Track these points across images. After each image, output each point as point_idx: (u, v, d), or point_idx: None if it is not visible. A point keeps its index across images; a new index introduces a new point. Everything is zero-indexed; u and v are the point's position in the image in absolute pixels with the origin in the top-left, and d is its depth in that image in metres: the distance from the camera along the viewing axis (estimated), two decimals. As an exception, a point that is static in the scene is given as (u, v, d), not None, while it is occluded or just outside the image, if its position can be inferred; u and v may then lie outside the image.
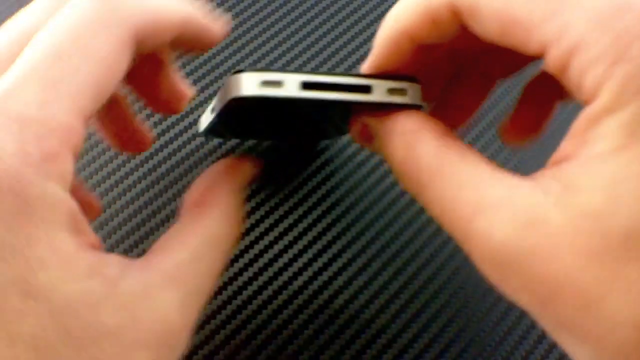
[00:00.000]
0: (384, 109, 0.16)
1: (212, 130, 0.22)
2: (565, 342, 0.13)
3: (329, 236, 0.26)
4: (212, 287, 0.15)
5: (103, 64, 0.12)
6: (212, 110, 0.19)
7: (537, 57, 0.14)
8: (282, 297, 0.25)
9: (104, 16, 0.13)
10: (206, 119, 0.21)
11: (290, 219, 0.26)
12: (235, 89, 0.15)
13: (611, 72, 0.12)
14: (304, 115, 0.18)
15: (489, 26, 0.13)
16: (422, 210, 0.26)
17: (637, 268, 0.11)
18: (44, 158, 0.11)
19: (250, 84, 0.14)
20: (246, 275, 0.25)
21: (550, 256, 0.12)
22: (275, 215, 0.26)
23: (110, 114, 0.19)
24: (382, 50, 0.16)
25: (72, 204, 0.12)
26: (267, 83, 0.14)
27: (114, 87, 0.13)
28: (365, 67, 0.17)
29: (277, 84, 0.14)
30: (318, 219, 0.26)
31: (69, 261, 0.12)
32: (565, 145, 0.13)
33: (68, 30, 0.12)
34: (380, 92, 0.16)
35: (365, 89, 0.15)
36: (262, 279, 0.25)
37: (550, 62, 0.13)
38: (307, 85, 0.15)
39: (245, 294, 0.25)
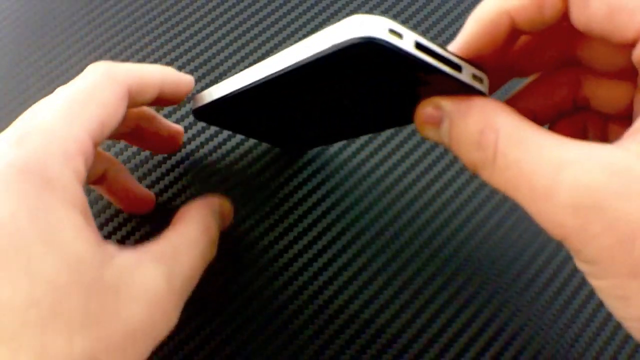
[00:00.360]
0: (458, 93, 0.16)
1: (215, 107, 0.21)
2: (632, 291, 0.14)
3: (328, 236, 0.26)
4: (193, 279, 0.18)
5: (106, 108, 0.18)
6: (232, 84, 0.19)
7: (627, 43, 0.15)
8: (282, 298, 0.25)
9: (106, 79, 0.19)
10: (212, 93, 0.21)
11: (290, 219, 0.26)
12: (363, 30, 0.13)
13: None
14: (370, 91, 0.17)
15: (596, 9, 0.15)
16: (421, 210, 0.27)
17: None
18: (63, 155, 0.16)
19: (380, 29, 0.13)
20: (246, 276, 0.25)
21: (636, 197, 0.13)
22: (275, 216, 0.26)
23: (115, 184, 0.24)
24: (478, 28, 0.16)
25: (83, 196, 0.16)
26: (392, 32, 0.13)
27: (114, 124, 0.19)
28: (455, 42, 0.17)
29: (399, 35, 0.13)
30: (318, 219, 0.26)
31: (80, 229, 0.16)
32: (638, 122, 0.15)
33: (83, 88, 0.18)
34: (467, 74, 0.16)
35: (457, 68, 0.15)
36: (262, 279, 0.25)
37: None
38: (418, 46, 0.14)
39: (245, 294, 0.25)
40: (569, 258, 0.26)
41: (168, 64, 0.30)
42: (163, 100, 0.22)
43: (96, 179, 0.23)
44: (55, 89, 0.30)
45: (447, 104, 0.17)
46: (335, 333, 0.24)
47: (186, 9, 0.32)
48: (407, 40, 0.14)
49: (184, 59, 0.30)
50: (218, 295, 0.25)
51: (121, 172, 0.24)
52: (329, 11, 0.32)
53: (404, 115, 0.19)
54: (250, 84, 0.18)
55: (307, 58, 0.14)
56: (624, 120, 0.17)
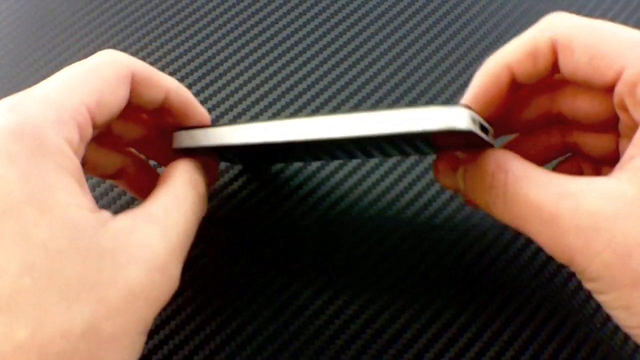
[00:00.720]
0: (472, 141, 0.18)
1: (214, 149, 0.21)
2: (635, 300, 0.15)
3: (329, 235, 0.26)
4: (188, 236, 0.18)
5: (106, 83, 0.18)
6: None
7: (607, 86, 0.17)
8: (281, 298, 0.25)
9: (111, 59, 0.19)
10: (213, 136, 0.20)
11: (290, 219, 0.26)
12: (462, 121, 0.16)
13: None
14: (405, 143, 0.19)
15: (579, 56, 0.17)
16: (418, 213, 0.27)
17: None
18: (57, 121, 0.16)
19: (470, 120, 0.16)
20: (248, 276, 0.25)
21: (630, 217, 0.15)
22: (276, 217, 0.26)
23: (136, 179, 0.24)
24: (484, 80, 0.20)
25: (77, 163, 0.16)
26: (473, 120, 0.16)
27: (114, 104, 0.18)
28: (466, 96, 0.20)
29: (474, 121, 0.16)
30: (318, 219, 0.26)
31: (74, 194, 0.15)
32: (630, 150, 0.17)
33: (86, 64, 0.18)
34: (490, 133, 0.18)
35: (486, 131, 0.17)
36: (262, 279, 0.25)
37: (624, 81, 0.17)
38: (481, 127, 0.17)
39: (246, 296, 0.25)
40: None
41: (168, 63, 0.30)
42: (169, 116, 0.21)
43: (113, 174, 0.23)
44: (55, 89, 0.30)
45: (461, 154, 0.19)
46: (335, 333, 0.24)
47: (186, 9, 0.32)
48: (477, 124, 0.16)
49: (184, 58, 0.30)
50: (217, 296, 0.25)
51: (140, 167, 0.24)
52: (328, 11, 0.32)
53: (414, 151, 0.21)
54: (297, 140, 0.18)
55: (399, 131, 0.16)
56: (614, 163, 0.19)
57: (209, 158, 0.23)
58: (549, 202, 0.16)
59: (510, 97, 0.20)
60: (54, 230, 0.14)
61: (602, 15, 0.32)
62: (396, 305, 0.25)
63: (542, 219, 0.17)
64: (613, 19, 0.32)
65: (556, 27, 0.18)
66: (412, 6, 0.32)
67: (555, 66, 0.18)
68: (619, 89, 0.17)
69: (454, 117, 0.15)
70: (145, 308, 0.16)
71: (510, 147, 0.22)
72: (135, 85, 0.19)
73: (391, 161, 0.28)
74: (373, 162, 0.28)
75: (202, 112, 0.22)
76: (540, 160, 0.22)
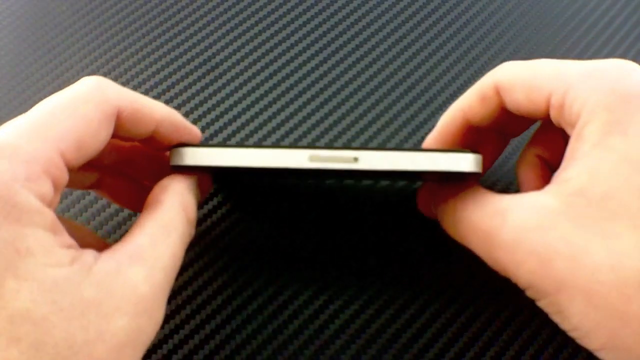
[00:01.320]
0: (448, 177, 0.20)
1: (212, 169, 0.20)
2: (561, 302, 0.16)
3: (329, 235, 0.26)
4: (175, 267, 0.18)
5: (85, 125, 0.16)
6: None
7: (542, 117, 0.19)
8: (281, 298, 0.25)
9: (95, 93, 0.17)
10: (216, 157, 0.19)
11: (290, 220, 0.26)
12: (471, 164, 0.19)
13: (588, 100, 0.17)
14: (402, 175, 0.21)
15: (518, 95, 0.19)
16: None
17: (612, 223, 0.16)
18: (28, 178, 0.15)
19: (477, 163, 0.19)
20: (246, 275, 0.25)
21: (550, 227, 0.16)
22: (273, 216, 0.26)
23: (115, 187, 0.23)
24: (442, 126, 0.22)
25: (52, 215, 0.15)
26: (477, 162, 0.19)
27: (95, 146, 0.17)
28: (430, 135, 0.23)
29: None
30: (318, 218, 0.26)
31: (52, 252, 0.15)
32: (562, 165, 0.18)
33: (65, 98, 0.17)
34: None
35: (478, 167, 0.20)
36: (262, 278, 0.25)
37: (553, 106, 0.18)
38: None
39: (245, 294, 0.25)
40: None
41: (168, 63, 0.30)
42: (158, 142, 0.20)
43: (91, 185, 0.22)
44: (55, 89, 0.30)
45: (438, 192, 0.22)
46: (335, 333, 0.24)
47: (186, 9, 0.32)
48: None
49: (184, 58, 0.30)
50: (216, 296, 0.25)
51: (120, 176, 0.23)
52: (328, 11, 0.32)
53: (405, 180, 0.24)
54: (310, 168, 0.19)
55: (413, 168, 0.19)
56: None
57: (204, 174, 0.22)
58: (483, 221, 0.18)
59: (470, 138, 0.22)
60: (36, 296, 0.14)
61: (602, 15, 0.32)
62: (396, 304, 0.25)
63: (478, 237, 0.18)
64: (613, 18, 0.32)
65: (500, 72, 0.20)
66: (412, 6, 0.32)
67: (504, 107, 0.20)
68: (552, 115, 0.19)
69: (465, 161, 0.19)
70: (133, 354, 0.16)
71: (526, 150, 0.24)
72: (121, 122, 0.18)
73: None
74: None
75: (194, 134, 0.21)
76: (556, 162, 0.23)
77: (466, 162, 0.18)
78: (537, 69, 0.19)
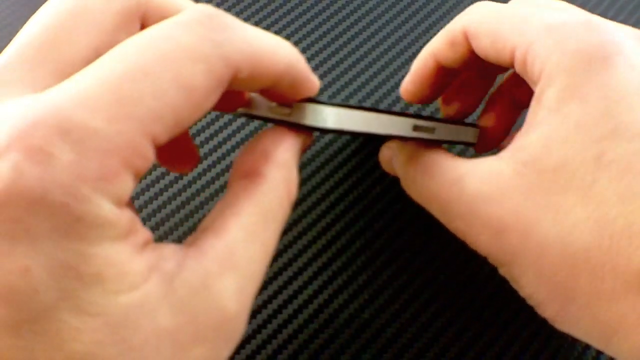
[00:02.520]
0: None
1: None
2: (514, 274, 0.16)
3: (328, 236, 0.26)
4: (266, 268, 0.15)
5: (190, 95, 0.11)
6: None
7: (509, 65, 0.18)
8: (282, 297, 0.25)
9: (207, 47, 0.12)
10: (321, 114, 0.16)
11: (289, 219, 0.26)
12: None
13: (548, 61, 0.16)
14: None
15: (484, 42, 0.18)
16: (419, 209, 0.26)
17: (563, 197, 0.15)
18: (103, 176, 0.10)
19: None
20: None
21: (502, 198, 0.16)
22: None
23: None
24: (415, 70, 0.22)
25: (127, 217, 0.11)
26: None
27: (195, 119, 0.12)
28: (405, 80, 0.23)
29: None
30: (318, 219, 0.26)
31: (125, 271, 0.11)
32: (522, 128, 0.17)
33: (164, 51, 0.11)
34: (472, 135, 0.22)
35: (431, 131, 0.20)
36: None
37: (517, 61, 0.17)
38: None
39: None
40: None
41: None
42: (270, 93, 0.15)
43: None
44: (54, 88, 0.30)
45: (396, 150, 0.21)
46: (335, 332, 0.24)
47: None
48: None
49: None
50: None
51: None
52: (328, 11, 0.32)
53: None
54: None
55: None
56: None
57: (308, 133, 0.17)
58: (441, 190, 0.18)
59: (446, 79, 0.22)
60: (102, 336, 0.10)
61: (602, 15, 0.32)
62: (396, 304, 0.25)
63: (438, 205, 0.18)
64: (613, 19, 0.32)
65: (468, 17, 0.19)
66: (412, 6, 0.32)
67: (473, 51, 0.20)
68: (517, 70, 0.18)
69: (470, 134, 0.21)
70: None
71: (497, 93, 0.24)
72: (233, 82, 0.13)
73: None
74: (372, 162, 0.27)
75: (313, 88, 0.16)
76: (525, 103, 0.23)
77: (472, 136, 0.21)
78: (504, 18, 0.18)
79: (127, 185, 0.11)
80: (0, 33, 0.32)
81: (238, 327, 0.13)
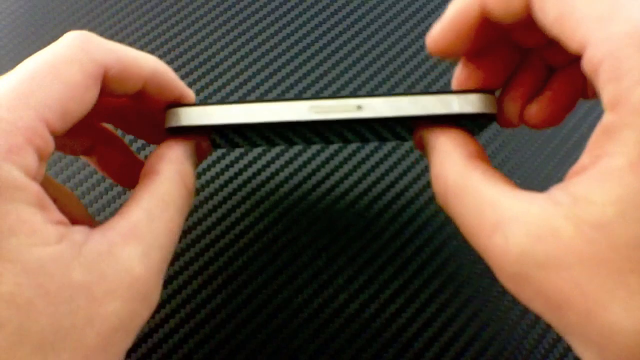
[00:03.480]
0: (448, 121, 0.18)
1: (215, 129, 0.19)
2: (575, 346, 0.14)
3: (326, 238, 0.26)
4: (173, 242, 0.17)
5: (70, 88, 0.15)
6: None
7: (573, 54, 0.15)
8: (282, 296, 0.25)
9: (79, 53, 0.16)
10: (219, 114, 0.18)
11: (289, 203, 0.26)
12: (490, 106, 0.17)
13: (634, 88, 0.12)
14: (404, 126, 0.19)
15: (549, 10, 0.14)
16: (425, 205, 0.26)
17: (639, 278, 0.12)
18: (10, 150, 0.14)
19: (494, 104, 0.17)
20: (246, 274, 0.25)
21: (560, 267, 0.13)
22: (277, 212, 0.26)
23: (106, 157, 0.21)
24: (452, 15, 0.17)
25: (37, 188, 0.14)
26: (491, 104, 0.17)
27: (81, 109, 0.16)
28: (432, 30, 0.18)
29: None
30: (311, 224, 0.26)
31: (38, 230, 0.13)
32: (583, 159, 0.14)
33: (47, 60, 0.15)
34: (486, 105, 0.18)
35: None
36: (261, 279, 0.25)
37: (586, 61, 0.14)
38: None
39: (245, 292, 0.25)
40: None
41: (168, 63, 0.30)
42: (148, 101, 0.19)
43: (84, 151, 0.21)
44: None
45: (426, 134, 0.18)
46: (335, 332, 0.24)
47: (185, 9, 0.32)
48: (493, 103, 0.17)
49: (184, 58, 0.30)
50: (216, 296, 0.25)
51: (113, 144, 0.21)
52: (328, 10, 0.32)
53: (395, 137, 0.21)
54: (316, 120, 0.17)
55: (432, 112, 0.17)
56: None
57: (202, 138, 0.20)
58: (481, 229, 0.15)
59: (486, 35, 0.18)
60: (20, 279, 0.13)
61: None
62: (396, 303, 0.25)
63: (477, 246, 0.15)
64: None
65: None
66: (411, 5, 0.32)
67: (529, 9, 0.16)
68: (584, 65, 0.14)
69: (484, 102, 0.17)
70: (125, 339, 0.15)
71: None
72: (108, 80, 0.17)
73: (391, 160, 0.27)
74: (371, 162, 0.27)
75: (186, 94, 0.19)
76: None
77: (478, 104, 0.16)
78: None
79: (31, 158, 0.14)
80: (2, 31, 0.32)
81: (150, 289, 0.15)
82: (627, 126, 0.12)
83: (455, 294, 0.25)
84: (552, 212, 0.13)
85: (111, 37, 0.31)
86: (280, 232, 0.26)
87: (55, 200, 0.19)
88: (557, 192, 0.14)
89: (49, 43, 0.31)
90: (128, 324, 0.15)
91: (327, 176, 0.27)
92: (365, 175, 0.27)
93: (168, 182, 0.17)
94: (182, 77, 0.30)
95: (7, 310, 0.13)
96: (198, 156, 0.20)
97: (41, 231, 0.13)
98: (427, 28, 0.31)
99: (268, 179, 0.27)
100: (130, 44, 0.31)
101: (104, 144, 0.21)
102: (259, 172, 0.27)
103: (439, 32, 0.18)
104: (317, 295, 0.25)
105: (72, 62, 0.15)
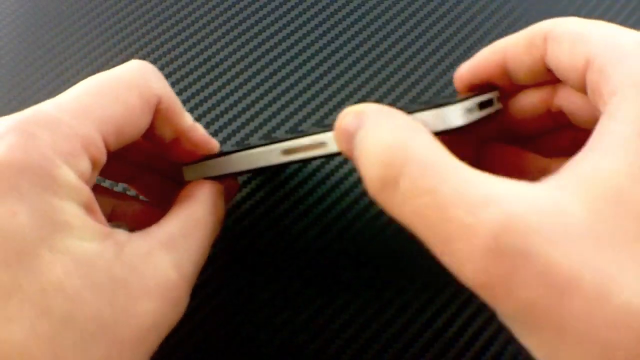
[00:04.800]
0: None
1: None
2: (563, 348, 0.12)
3: (325, 238, 0.26)
4: (202, 260, 0.18)
5: (128, 110, 0.17)
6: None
7: (580, 76, 0.16)
8: (282, 295, 0.25)
9: (139, 80, 0.17)
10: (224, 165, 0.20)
11: (291, 217, 0.26)
12: (461, 119, 0.16)
13: (631, 70, 0.13)
14: None
15: (563, 45, 0.16)
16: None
17: None
18: (69, 153, 0.15)
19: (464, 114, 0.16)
20: (247, 274, 0.25)
21: (570, 242, 0.11)
22: (279, 211, 0.26)
23: (150, 180, 0.23)
24: (478, 59, 0.20)
25: (87, 192, 0.15)
26: (470, 110, 0.16)
27: (134, 132, 0.17)
28: (460, 68, 0.21)
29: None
30: (310, 225, 0.26)
31: (87, 227, 0.15)
32: (588, 145, 0.13)
33: (110, 80, 0.17)
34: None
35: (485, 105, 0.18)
36: (260, 279, 0.25)
37: (593, 68, 0.15)
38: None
39: (247, 289, 0.25)
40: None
41: (168, 63, 0.30)
42: (178, 151, 0.21)
43: (125, 179, 0.23)
44: (55, 88, 0.30)
45: (371, 109, 0.16)
46: (336, 332, 0.24)
47: (185, 9, 0.32)
48: (475, 108, 0.17)
49: (184, 58, 0.30)
50: (217, 295, 0.25)
51: (153, 175, 0.23)
52: (328, 10, 0.32)
53: None
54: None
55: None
56: None
57: (228, 179, 0.22)
58: (464, 206, 0.12)
59: (502, 82, 0.19)
60: (70, 269, 0.14)
61: (602, 15, 0.32)
62: (395, 305, 0.25)
63: (450, 227, 0.13)
64: (613, 18, 0.32)
65: (552, 23, 0.18)
66: (411, 5, 0.32)
67: (545, 63, 0.18)
68: (588, 77, 0.15)
69: (450, 115, 0.15)
70: (154, 340, 0.15)
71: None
72: (158, 114, 0.18)
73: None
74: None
75: (212, 147, 0.21)
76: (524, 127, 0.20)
77: (453, 116, 0.15)
78: (594, 27, 0.16)
79: (86, 164, 0.15)
80: (2, 31, 0.32)
81: (181, 295, 0.16)
82: (626, 100, 0.13)
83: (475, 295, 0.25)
84: (558, 193, 0.12)
85: (111, 37, 0.31)
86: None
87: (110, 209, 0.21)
88: (555, 179, 0.13)
89: (49, 43, 0.31)
90: (160, 326, 0.15)
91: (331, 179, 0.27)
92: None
93: (203, 207, 0.19)
94: (182, 77, 0.30)
95: (55, 298, 0.13)
96: (228, 193, 0.22)
97: (90, 228, 0.15)
98: (427, 28, 0.31)
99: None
100: (130, 44, 0.31)
101: (143, 172, 0.23)
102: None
103: (464, 71, 0.20)
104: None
105: (132, 86, 0.17)
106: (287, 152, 0.19)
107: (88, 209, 0.15)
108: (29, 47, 0.31)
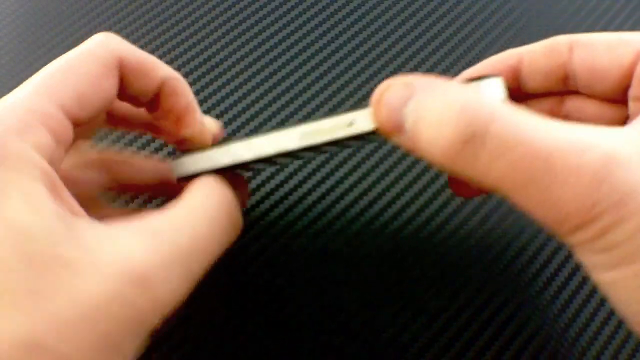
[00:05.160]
0: None
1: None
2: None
3: (332, 231, 0.26)
4: (196, 252, 0.16)
5: (85, 78, 0.17)
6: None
7: (624, 71, 0.17)
8: (282, 296, 0.25)
9: (96, 48, 0.17)
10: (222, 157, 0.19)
11: (290, 217, 0.26)
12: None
13: None
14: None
15: (598, 48, 0.17)
16: (398, 212, 0.26)
17: None
18: (21, 127, 0.15)
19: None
20: (249, 272, 0.25)
21: (634, 165, 0.13)
22: (279, 211, 0.26)
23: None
24: (490, 61, 0.20)
25: (48, 168, 0.15)
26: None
27: (99, 98, 0.17)
28: (464, 74, 0.20)
29: None
30: (323, 213, 0.26)
31: (36, 202, 0.14)
32: None
33: (68, 57, 0.17)
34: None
35: None
36: (263, 276, 0.25)
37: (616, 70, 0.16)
38: None
39: (246, 290, 0.25)
40: (557, 249, 0.26)
41: (168, 62, 0.30)
42: (164, 110, 0.19)
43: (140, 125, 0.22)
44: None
45: (419, 79, 0.15)
46: (336, 332, 0.24)
47: (185, 8, 0.32)
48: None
49: (184, 58, 0.30)
50: (218, 295, 0.25)
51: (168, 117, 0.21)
52: (328, 10, 0.32)
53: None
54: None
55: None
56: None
57: (234, 174, 0.21)
58: (564, 151, 0.13)
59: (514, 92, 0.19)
60: (4, 243, 0.13)
61: (602, 15, 0.32)
62: (394, 306, 0.24)
63: (552, 173, 0.13)
64: (613, 18, 0.32)
65: (574, 35, 0.18)
66: (411, 5, 0.32)
67: (565, 70, 0.18)
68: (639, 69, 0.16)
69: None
70: (112, 325, 0.14)
71: None
72: (125, 73, 0.18)
73: (397, 171, 0.27)
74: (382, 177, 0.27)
75: (197, 115, 0.20)
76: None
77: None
78: (623, 34, 0.17)
79: (45, 138, 0.15)
80: (2, 31, 0.32)
81: (151, 280, 0.15)
82: None
83: (494, 294, 0.25)
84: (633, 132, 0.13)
85: (111, 37, 0.31)
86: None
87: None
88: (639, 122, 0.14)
89: (49, 43, 0.31)
90: (117, 310, 0.14)
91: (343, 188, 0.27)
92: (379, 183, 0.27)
93: (201, 195, 0.18)
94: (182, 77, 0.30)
95: None
96: (240, 194, 0.21)
97: (41, 205, 0.14)
98: (427, 28, 0.31)
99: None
100: (132, 42, 0.31)
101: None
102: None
103: (474, 72, 0.20)
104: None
105: (88, 55, 0.17)
106: (307, 135, 0.17)
107: (46, 185, 0.15)
108: (29, 47, 0.31)
